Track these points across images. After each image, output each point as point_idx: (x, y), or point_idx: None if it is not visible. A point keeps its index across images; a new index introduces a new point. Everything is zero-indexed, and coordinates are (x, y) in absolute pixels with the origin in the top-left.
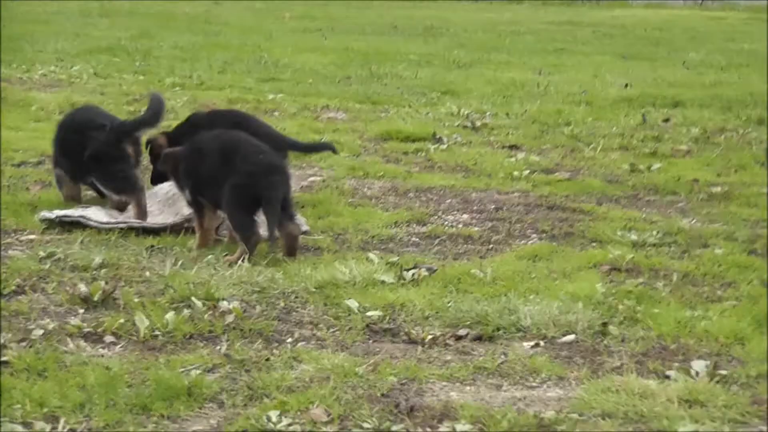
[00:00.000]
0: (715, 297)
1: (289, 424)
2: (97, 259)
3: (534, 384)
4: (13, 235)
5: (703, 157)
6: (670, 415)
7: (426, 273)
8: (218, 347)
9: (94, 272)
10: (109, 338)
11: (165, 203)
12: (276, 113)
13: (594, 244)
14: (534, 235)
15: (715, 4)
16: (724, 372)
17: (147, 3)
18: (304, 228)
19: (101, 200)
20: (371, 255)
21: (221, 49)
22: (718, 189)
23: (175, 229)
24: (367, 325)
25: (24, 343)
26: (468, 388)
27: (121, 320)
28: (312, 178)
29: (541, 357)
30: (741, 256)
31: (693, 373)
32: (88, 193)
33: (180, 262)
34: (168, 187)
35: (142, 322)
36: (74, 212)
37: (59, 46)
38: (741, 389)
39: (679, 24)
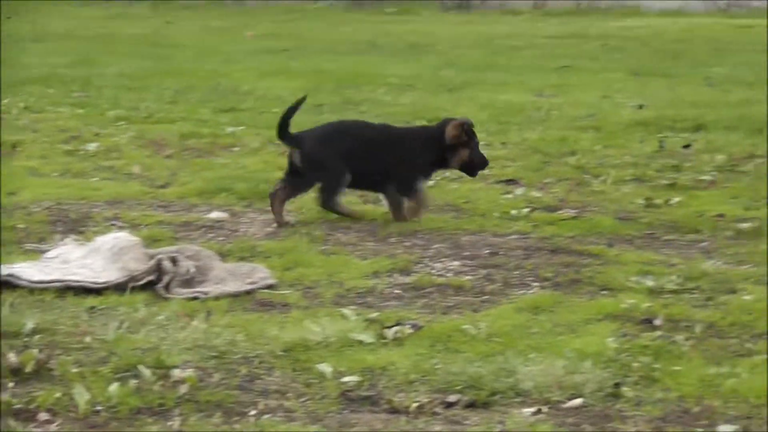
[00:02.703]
0: (744, 351)
1: None
2: (30, 324)
3: None
4: None
5: (729, 188)
6: None
7: (410, 330)
8: (170, 423)
9: (26, 339)
10: (43, 416)
11: (110, 258)
12: (235, 149)
13: (604, 292)
14: (535, 284)
15: (742, 10)
16: None
17: (86, 24)
18: (269, 281)
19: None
20: (347, 311)
21: (172, 75)
22: (747, 225)
23: (120, 287)
24: (343, 393)
25: None
26: None
27: (58, 394)
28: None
29: (543, 425)
30: None
31: None
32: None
33: (126, 325)
34: (112, 240)
35: (82, 395)
36: (1, 270)
37: None
38: None
39: (700, 34)
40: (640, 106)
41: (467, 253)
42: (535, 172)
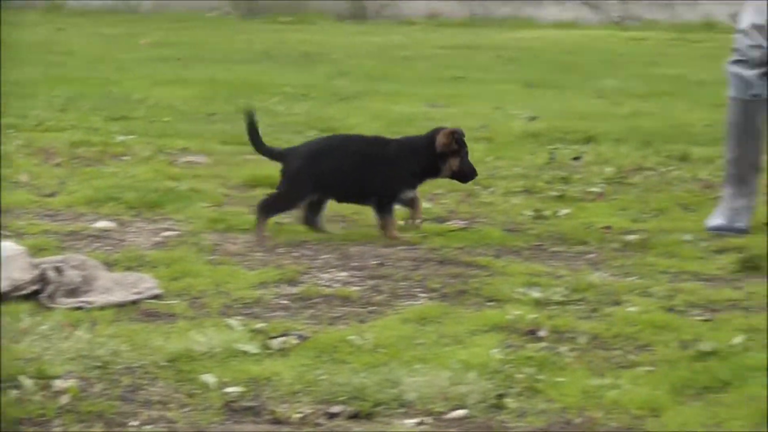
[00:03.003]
0: (628, 362)
1: None
2: None
3: None
4: None
5: (617, 200)
6: None
7: (296, 341)
8: None
9: None
10: None
11: None
12: (126, 158)
13: (491, 303)
14: (422, 295)
15: (635, 22)
16: None
17: None
18: (156, 291)
19: None
20: (232, 321)
21: (63, 83)
22: (634, 237)
23: (4, 297)
24: (226, 404)
25: None
26: None
27: None
28: (166, 233)
29: None
30: (658, 314)
31: None
32: None
33: (8, 335)
34: None
35: None
36: None
37: None
38: None
39: (593, 46)
40: (532, 118)
41: (355, 264)
42: (426, 183)
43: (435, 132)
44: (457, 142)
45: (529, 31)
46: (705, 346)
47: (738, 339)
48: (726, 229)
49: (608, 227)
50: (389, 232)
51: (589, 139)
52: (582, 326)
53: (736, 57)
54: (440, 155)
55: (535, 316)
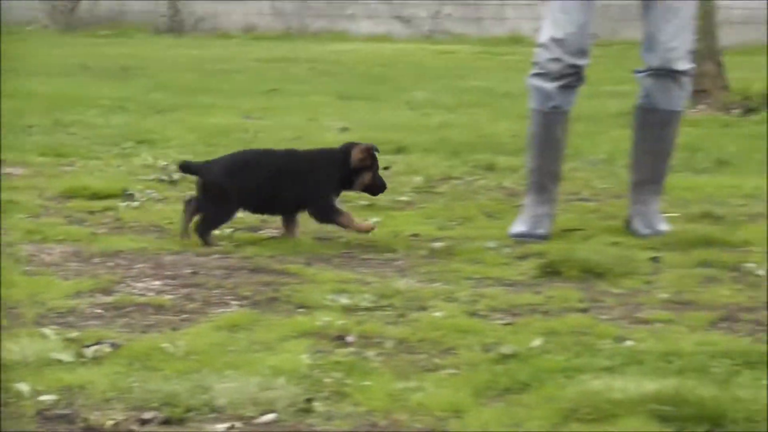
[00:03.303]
0: (432, 366)
1: None
2: None
3: None
4: None
5: (425, 209)
6: None
7: (109, 349)
8: None
9: None
10: None
11: None
12: None
13: (301, 310)
14: (234, 302)
15: (444, 36)
16: None
17: None
18: None
19: None
20: (47, 330)
21: None
22: (440, 244)
23: None
24: (39, 412)
25: None
26: None
27: None
28: None
29: None
30: (462, 319)
31: None
32: None
33: None
34: None
35: None
36: None
37: None
38: None
39: (405, 59)
40: (344, 129)
41: (169, 273)
42: None
43: (348, 147)
44: (370, 157)
45: (343, 44)
46: (506, 349)
47: (537, 342)
48: (528, 236)
49: (416, 235)
50: (353, 225)
51: (399, 150)
52: (389, 331)
53: (536, 70)
54: (354, 170)
55: (343, 322)
